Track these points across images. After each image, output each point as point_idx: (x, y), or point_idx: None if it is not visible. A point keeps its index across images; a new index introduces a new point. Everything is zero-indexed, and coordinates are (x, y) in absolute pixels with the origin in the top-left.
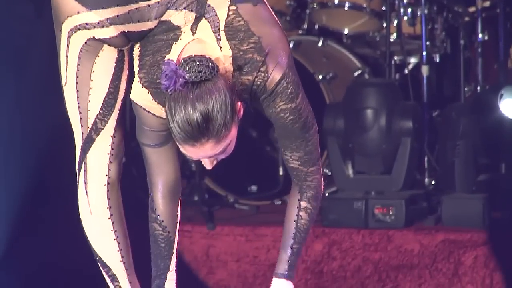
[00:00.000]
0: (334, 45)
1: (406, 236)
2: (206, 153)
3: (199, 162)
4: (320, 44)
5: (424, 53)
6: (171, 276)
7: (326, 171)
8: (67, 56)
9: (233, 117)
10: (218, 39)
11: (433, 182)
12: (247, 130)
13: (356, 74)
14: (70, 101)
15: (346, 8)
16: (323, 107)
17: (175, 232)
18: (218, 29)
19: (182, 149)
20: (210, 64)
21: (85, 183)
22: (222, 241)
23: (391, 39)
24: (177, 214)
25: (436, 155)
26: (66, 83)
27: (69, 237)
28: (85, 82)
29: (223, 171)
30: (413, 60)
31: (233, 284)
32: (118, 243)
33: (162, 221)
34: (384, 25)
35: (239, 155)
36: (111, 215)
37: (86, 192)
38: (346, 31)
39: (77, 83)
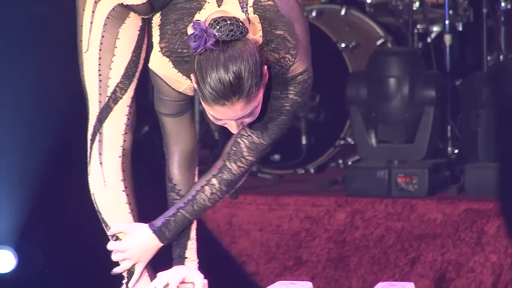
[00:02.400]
0: (357, 13)
1: (429, 205)
2: (236, 113)
3: (223, 131)
4: (343, 12)
5: (447, 21)
6: (191, 244)
7: (349, 140)
8: (91, 23)
9: (261, 79)
10: (246, 13)
11: (456, 151)
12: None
13: (379, 42)
14: (90, 69)
15: None
16: (346, 76)
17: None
18: (246, 5)
19: (209, 110)
20: (241, 24)
21: (100, 154)
22: (244, 210)
23: (414, 8)
24: (195, 183)
25: (459, 124)
26: (87, 50)
27: (88, 207)
28: (109, 49)
29: None
30: (436, 29)
31: (256, 253)
32: (133, 216)
33: (180, 190)
34: None
35: None
36: (126, 187)
37: (101, 163)
38: (369, 0)
39: (100, 49)
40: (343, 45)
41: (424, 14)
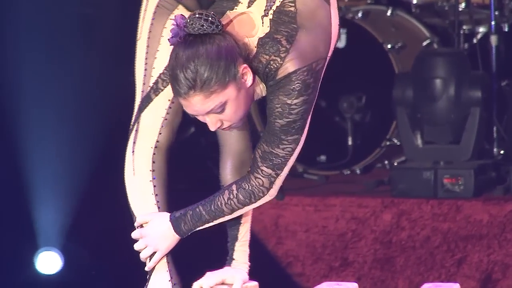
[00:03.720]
0: (403, 14)
1: (475, 206)
2: (195, 108)
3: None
4: (389, 13)
5: (493, 22)
6: (240, 246)
7: (395, 140)
8: (145, 10)
9: (226, 76)
10: (265, 16)
11: (502, 152)
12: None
13: (425, 43)
14: (139, 56)
15: None
16: (392, 77)
17: None
18: (271, 8)
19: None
20: (215, 21)
21: (134, 142)
22: (291, 211)
23: (460, 9)
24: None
25: (505, 125)
26: (140, 37)
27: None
28: (157, 38)
29: None
30: (481, 29)
31: (302, 254)
32: (158, 208)
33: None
34: None
35: (309, 125)
36: (154, 178)
37: (133, 152)
38: (415, 1)
39: (148, 37)
40: (389, 46)
41: (470, 15)
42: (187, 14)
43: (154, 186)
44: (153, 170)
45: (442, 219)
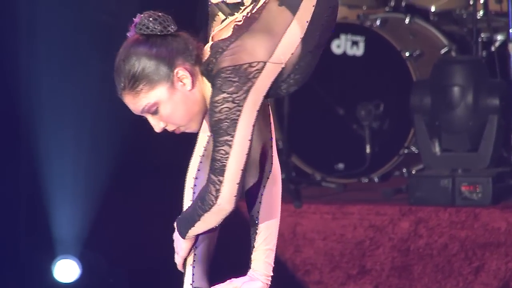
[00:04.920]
0: (421, 22)
1: (492, 214)
2: (130, 107)
3: (287, 138)
4: (407, 21)
5: (511, 30)
6: (256, 255)
7: (413, 148)
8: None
9: (154, 77)
10: (237, 23)
11: None
12: (334, 108)
13: (443, 51)
14: None
15: None
16: (410, 85)
17: (258, 212)
18: (247, 13)
19: None
20: (164, 22)
21: (194, 150)
22: (309, 219)
23: (478, 16)
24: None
25: None
26: None
27: (151, 215)
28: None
29: (310, 149)
30: (499, 37)
31: (320, 262)
32: None
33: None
34: (471, 2)
35: (326, 133)
36: (195, 185)
37: (191, 159)
38: (433, 8)
39: None
40: (407, 53)
41: (488, 22)
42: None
43: (194, 192)
44: (196, 178)
45: (460, 227)
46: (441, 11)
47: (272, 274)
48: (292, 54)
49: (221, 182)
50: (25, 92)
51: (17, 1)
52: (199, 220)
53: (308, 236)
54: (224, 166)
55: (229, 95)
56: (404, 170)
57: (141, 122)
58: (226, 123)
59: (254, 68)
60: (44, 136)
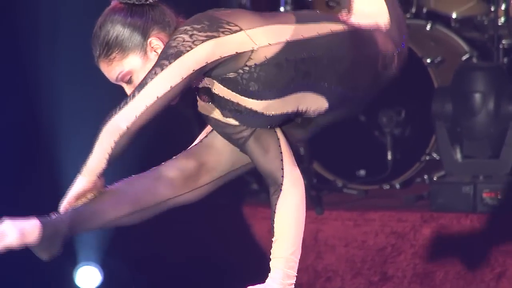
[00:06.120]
0: (442, 29)
1: None
2: (105, 74)
3: (306, 146)
4: (428, 28)
5: None
6: (273, 263)
7: (435, 155)
8: None
9: (127, 45)
10: None
11: None
12: (355, 114)
13: (464, 58)
14: None
15: None
16: (431, 91)
17: (273, 220)
18: None
19: None
20: None
21: None
22: (330, 225)
23: (499, 23)
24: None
25: None
26: None
27: (172, 223)
28: None
29: (331, 155)
30: None
31: (341, 268)
32: None
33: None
34: (492, 8)
35: (348, 139)
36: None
37: None
38: (454, 15)
39: None
40: (428, 60)
41: (509, 29)
42: None
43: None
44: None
45: (481, 233)
46: (463, 18)
47: (292, 282)
48: (269, 44)
49: (133, 96)
50: (46, 98)
51: (39, 7)
52: (95, 145)
53: (330, 242)
54: (146, 83)
55: (191, 29)
56: (426, 177)
57: (161, 127)
58: (172, 51)
59: (228, 27)
60: (66, 142)
